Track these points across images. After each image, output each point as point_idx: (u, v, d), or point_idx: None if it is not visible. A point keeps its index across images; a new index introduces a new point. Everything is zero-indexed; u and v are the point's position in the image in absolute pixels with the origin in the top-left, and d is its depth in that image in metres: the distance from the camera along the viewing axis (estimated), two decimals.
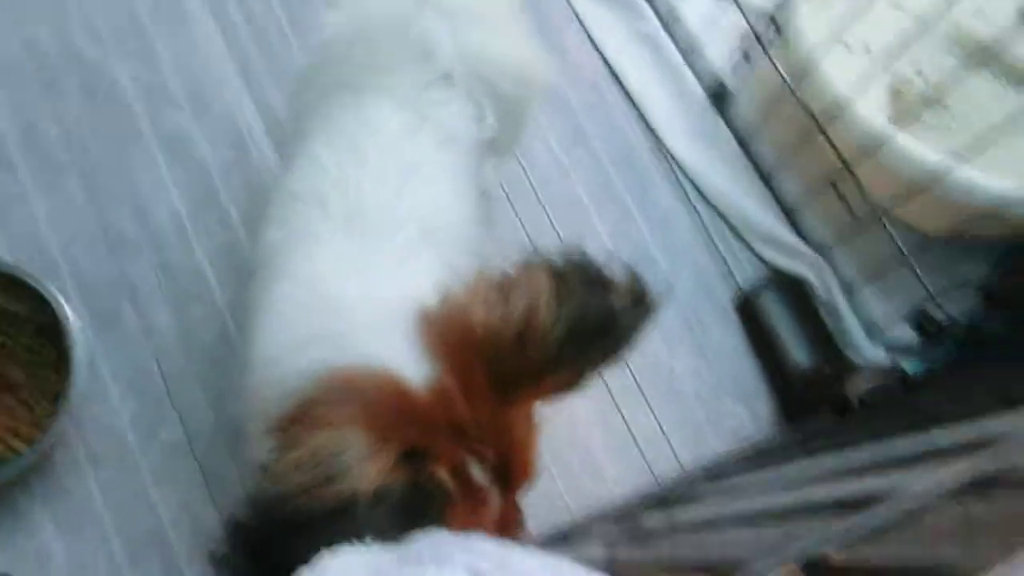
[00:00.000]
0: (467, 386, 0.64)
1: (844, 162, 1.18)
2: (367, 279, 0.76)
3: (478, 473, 0.64)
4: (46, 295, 1.14)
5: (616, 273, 0.69)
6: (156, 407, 1.20)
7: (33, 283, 1.14)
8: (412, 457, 0.61)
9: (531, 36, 1.01)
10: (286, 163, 0.95)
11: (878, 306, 1.27)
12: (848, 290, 1.29)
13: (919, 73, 1.33)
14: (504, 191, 1.36)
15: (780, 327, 1.29)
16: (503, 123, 0.94)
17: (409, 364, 0.64)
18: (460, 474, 0.63)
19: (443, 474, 0.62)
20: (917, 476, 0.61)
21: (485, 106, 0.91)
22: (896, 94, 1.35)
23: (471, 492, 0.65)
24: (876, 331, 1.27)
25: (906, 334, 1.27)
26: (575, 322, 0.64)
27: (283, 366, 0.71)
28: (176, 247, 1.26)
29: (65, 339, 1.13)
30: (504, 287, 0.66)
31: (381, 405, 0.62)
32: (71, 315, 1.14)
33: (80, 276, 1.24)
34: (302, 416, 0.64)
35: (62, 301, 1.14)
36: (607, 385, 1.26)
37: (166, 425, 1.19)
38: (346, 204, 0.79)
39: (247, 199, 1.30)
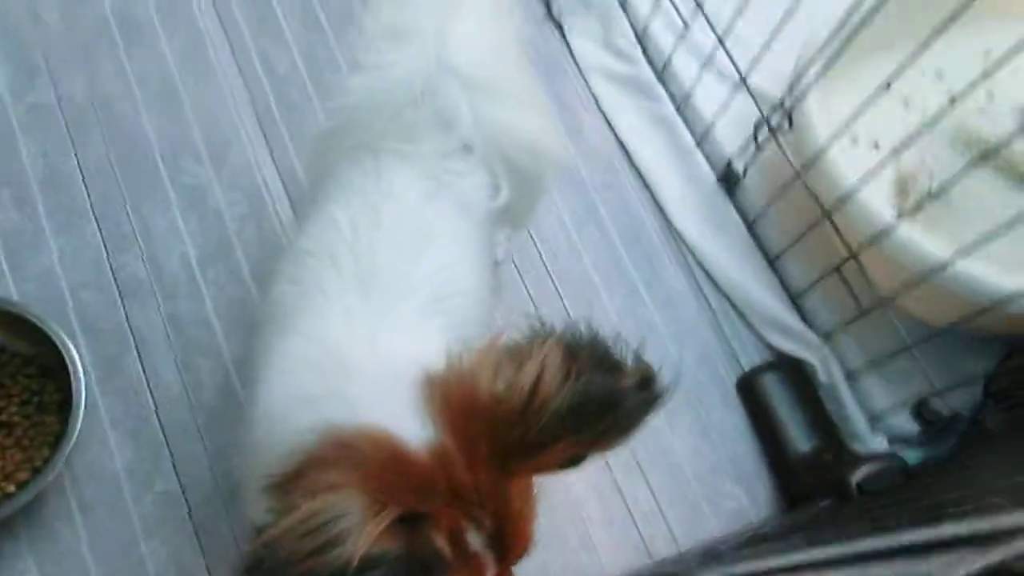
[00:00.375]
0: (468, 452, 0.63)
1: (849, 250, 1.20)
2: (376, 341, 0.76)
3: (474, 540, 0.63)
4: (52, 336, 1.14)
5: (626, 356, 0.69)
6: (153, 457, 1.19)
7: (39, 324, 1.14)
8: (409, 522, 0.61)
9: (548, 113, 1.03)
10: (301, 221, 0.97)
11: (880, 394, 1.28)
12: (851, 377, 1.30)
13: (924, 167, 1.36)
14: (514, 262, 1.38)
15: (781, 410, 1.29)
16: (518, 195, 0.96)
17: (410, 426, 0.64)
18: (456, 540, 0.63)
19: (440, 540, 0.61)
20: (923, 568, 0.60)
21: (501, 177, 0.93)
22: (902, 187, 1.38)
23: (467, 559, 0.63)
24: (878, 419, 1.27)
25: (908, 423, 1.27)
26: (579, 399, 0.63)
27: (285, 423, 0.71)
28: (186, 297, 1.27)
29: (68, 382, 1.12)
30: (514, 357, 0.66)
31: (379, 467, 0.62)
32: (76, 358, 1.14)
33: (88, 320, 1.24)
34: (300, 476, 0.64)
35: (68, 344, 1.14)
36: (607, 460, 1.26)
37: (161, 476, 1.18)
38: (359, 265, 0.80)
39: (259, 253, 1.32)
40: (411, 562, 0.60)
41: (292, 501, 0.61)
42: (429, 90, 0.87)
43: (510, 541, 0.66)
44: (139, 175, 1.34)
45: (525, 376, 0.63)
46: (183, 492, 1.18)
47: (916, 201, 1.32)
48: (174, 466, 1.19)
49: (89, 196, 1.31)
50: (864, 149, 1.41)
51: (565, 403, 0.63)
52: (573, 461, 0.68)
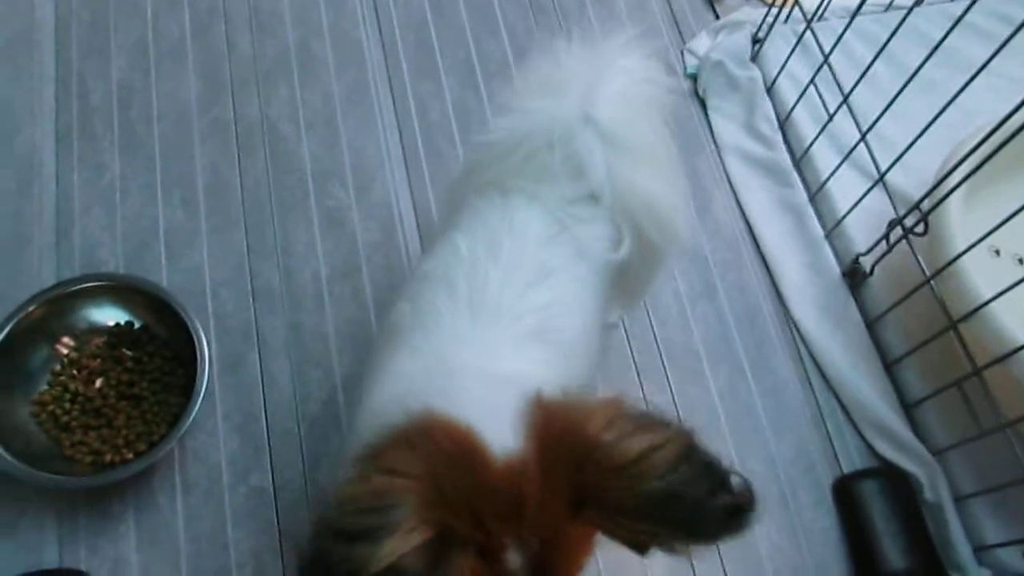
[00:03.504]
0: (546, 477, 0.63)
1: (974, 365, 1.14)
2: (481, 355, 0.80)
3: (514, 561, 0.63)
4: (190, 326, 1.24)
5: (734, 480, 0.66)
6: (254, 453, 1.26)
7: (182, 312, 1.25)
8: (446, 539, 0.61)
9: (680, 185, 1.05)
10: (427, 248, 1.02)
11: (991, 524, 1.19)
12: (960, 500, 1.22)
13: None
14: (624, 327, 1.39)
15: (879, 522, 1.22)
16: (638, 258, 0.98)
17: (501, 433, 0.65)
18: (495, 555, 0.62)
19: (464, 569, 0.61)
20: None
21: (625, 232, 0.95)
22: None
23: None
24: (985, 550, 1.19)
25: (1019, 562, 1.17)
26: (674, 493, 0.62)
27: (386, 416, 0.72)
28: (310, 310, 1.36)
29: (195, 369, 1.22)
30: (635, 421, 0.65)
31: (448, 465, 0.63)
32: (206, 349, 1.24)
33: (222, 316, 1.35)
34: (378, 451, 0.66)
35: (202, 335, 1.24)
36: None
37: (258, 472, 1.25)
38: (472, 291, 0.84)
39: (383, 280, 1.39)
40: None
41: (364, 474, 0.63)
42: (566, 137, 0.90)
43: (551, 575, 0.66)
44: (290, 192, 1.46)
45: (639, 441, 0.63)
46: (274, 491, 1.24)
47: None
48: (271, 465, 1.26)
49: (244, 205, 1.44)
50: (1007, 262, 1.34)
51: (660, 488, 0.62)
52: (637, 545, 0.66)
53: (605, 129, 0.90)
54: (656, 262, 1.08)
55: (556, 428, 0.65)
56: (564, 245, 0.90)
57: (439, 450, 0.64)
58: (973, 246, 1.12)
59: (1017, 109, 1.02)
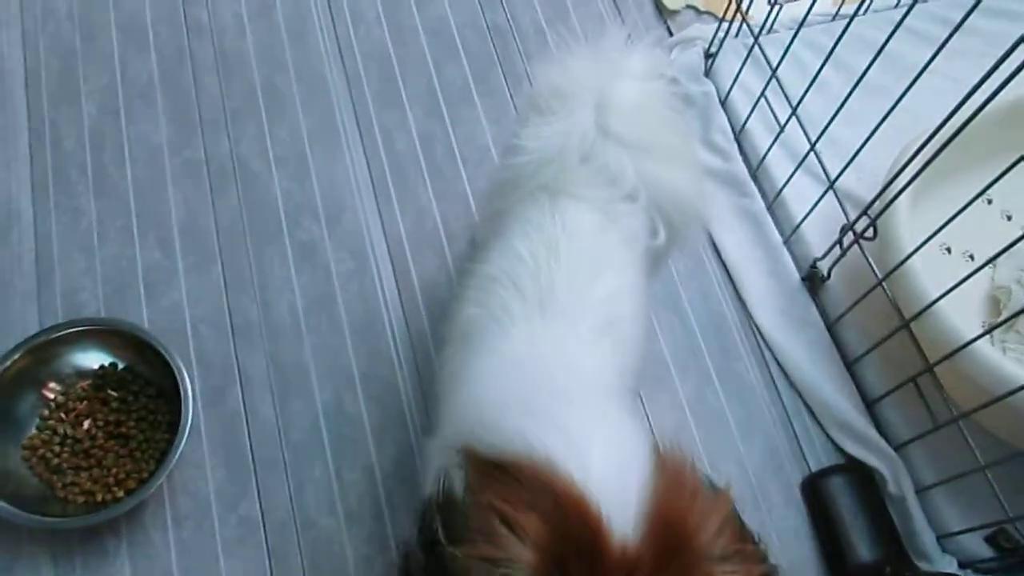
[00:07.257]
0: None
1: (926, 362, 1.19)
2: (561, 355, 0.85)
3: None
4: (172, 364, 1.28)
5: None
6: (241, 483, 1.30)
7: (163, 351, 1.29)
8: None
9: (698, 170, 1.12)
10: (479, 250, 1.07)
11: (953, 513, 1.24)
12: (922, 491, 1.27)
13: (1020, 283, 1.33)
14: None
15: (846, 516, 1.27)
16: (664, 245, 1.05)
17: (623, 513, 0.63)
18: None
19: None
20: None
21: (658, 222, 1.02)
22: (994, 302, 1.35)
23: None
24: (948, 538, 1.23)
25: (982, 547, 1.22)
26: None
27: (482, 424, 0.75)
28: (289, 341, 1.40)
29: (180, 406, 1.26)
30: (739, 542, 0.66)
31: (568, 543, 0.62)
32: (188, 385, 1.27)
33: (202, 351, 1.39)
34: (499, 478, 0.66)
35: (184, 372, 1.28)
36: None
37: (246, 501, 1.29)
38: (540, 289, 0.89)
39: (358, 308, 1.44)
40: None
41: (485, 502, 0.64)
42: (593, 153, 0.97)
43: None
44: (263, 228, 1.50)
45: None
46: (263, 519, 1.28)
47: (1007, 317, 1.29)
48: (258, 494, 1.30)
49: (219, 242, 1.48)
50: (957, 259, 1.40)
51: None
52: None
53: (627, 139, 0.97)
54: (678, 243, 1.13)
55: (672, 528, 0.64)
56: (615, 233, 0.97)
57: (561, 524, 0.63)
58: (919, 249, 1.17)
59: (954, 112, 1.07)
